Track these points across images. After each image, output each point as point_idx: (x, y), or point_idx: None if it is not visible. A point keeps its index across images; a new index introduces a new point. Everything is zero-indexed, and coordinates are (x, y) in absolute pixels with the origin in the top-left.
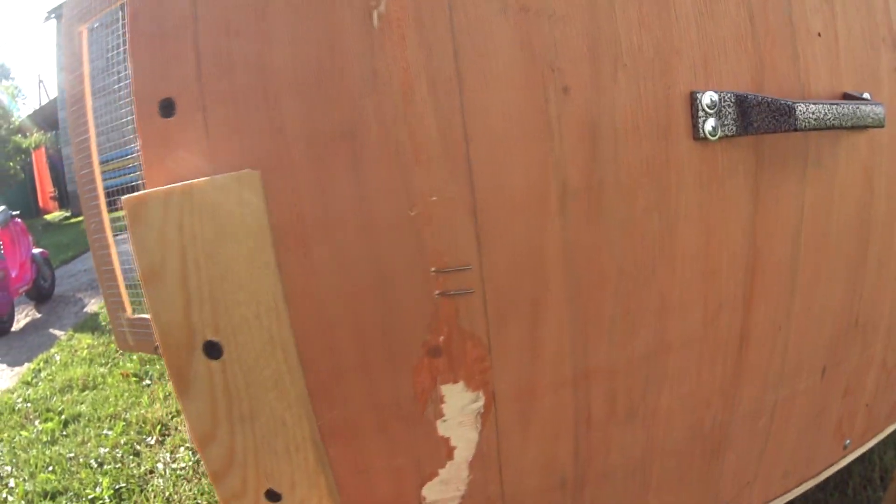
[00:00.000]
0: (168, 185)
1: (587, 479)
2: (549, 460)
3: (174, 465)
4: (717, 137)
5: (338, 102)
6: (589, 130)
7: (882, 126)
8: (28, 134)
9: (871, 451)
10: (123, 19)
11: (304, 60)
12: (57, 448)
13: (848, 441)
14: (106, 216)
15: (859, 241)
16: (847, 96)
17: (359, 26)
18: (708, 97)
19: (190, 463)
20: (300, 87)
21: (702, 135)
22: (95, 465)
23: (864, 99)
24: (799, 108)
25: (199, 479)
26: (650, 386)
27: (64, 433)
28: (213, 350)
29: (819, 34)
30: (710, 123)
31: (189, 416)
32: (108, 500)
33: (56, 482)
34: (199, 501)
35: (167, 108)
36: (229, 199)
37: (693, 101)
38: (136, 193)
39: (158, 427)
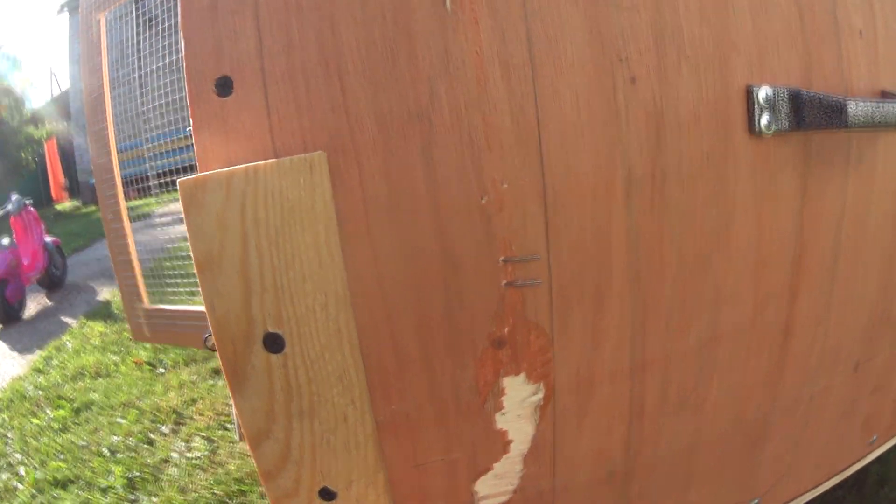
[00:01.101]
0: (228, 168)
1: (635, 471)
2: (601, 453)
3: (189, 455)
4: (771, 132)
5: (409, 84)
6: (654, 120)
7: None
8: (40, 125)
9: (888, 450)
10: (138, 10)
11: (374, 39)
12: (68, 436)
13: (875, 437)
14: (123, 204)
15: (893, 238)
16: (885, 94)
17: (431, 8)
18: (764, 92)
19: (206, 452)
20: (369, 67)
21: (757, 129)
22: (108, 454)
23: None
24: (850, 105)
25: (216, 469)
26: (702, 376)
27: (76, 421)
28: (274, 343)
29: (861, 32)
30: (766, 118)
31: (242, 413)
32: (120, 489)
33: (67, 470)
34: (215, 491)
35: (224, 86)
36: (298, 182)
37: (750, 95)
38: (192, 176)
39: (173, 416)
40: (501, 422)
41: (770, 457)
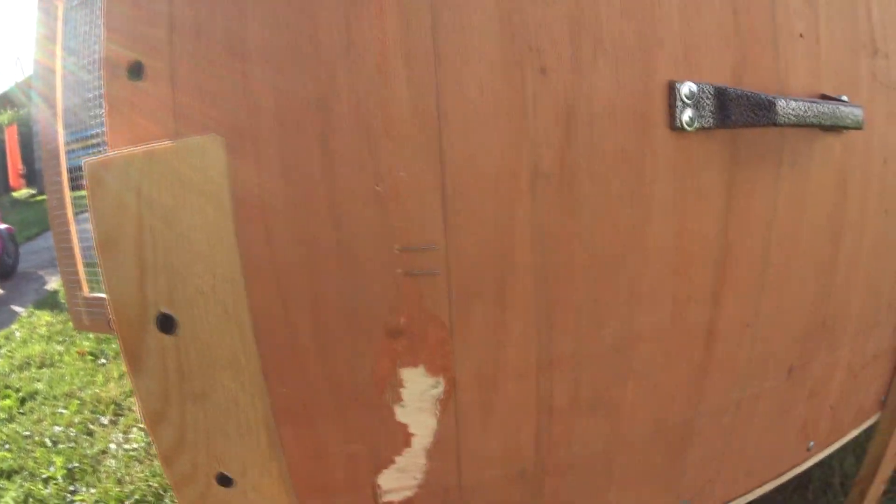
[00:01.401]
0: (129, 149)
1: (548, 470)
2: (509, 450)
3: (126, 446)
4: (694, 128)
5: (310, 72)
6: (564, 113)
7: (860, 128)
8: (2, 111)
9: (830, 456)
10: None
11: (278, 27)
12: (14, 426)
13: (812, 443)
14: (67, 193)
15: (830, 243)
16: (825, 97)
17: None
18: (687, 87)
19: (142, 444)
20: (272, 53)
21: (679, 125)
22: (50, 444)
23: (843, 101)
24: (779, 103)
25: (151, 461)
26: (616, 378)
27: (21, 411)
28: (166, 324)
29: (801, 35)
30: (688, 114)
31: (140, 395)
32: (61, 480)
33: (12, 461)
34: (151, 483)
35: (136, 71)
36: (191, 164)
37: (672, 90)
38: (97, 157)
39: (112, 407)
40: (401, 414)
41: (697, 461)
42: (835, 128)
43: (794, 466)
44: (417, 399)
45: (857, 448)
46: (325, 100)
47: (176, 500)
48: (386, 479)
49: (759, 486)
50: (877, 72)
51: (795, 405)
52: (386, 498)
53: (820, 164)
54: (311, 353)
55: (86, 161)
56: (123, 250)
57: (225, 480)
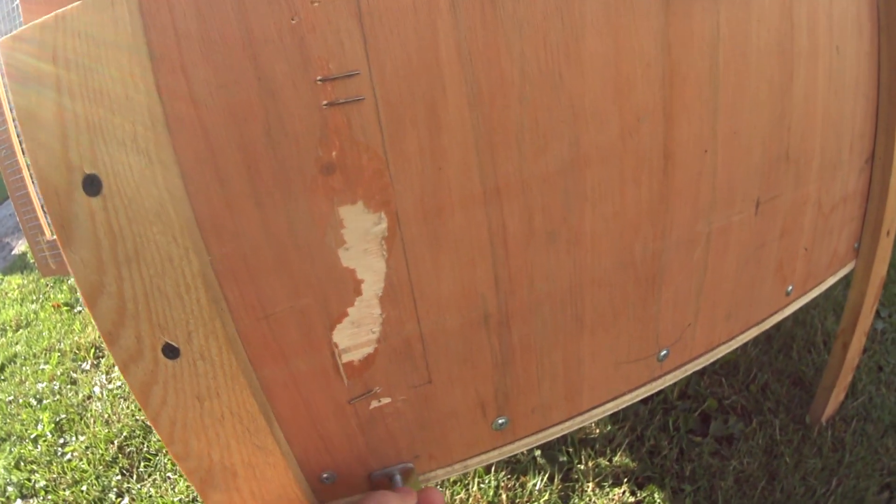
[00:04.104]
0: (42, 18)
1: (512, 313)
2: (468, 291)
3: (110, 386)
4: None
5: None
6: None
7: None
8: None
9: (811, 316)
10: None
11: None
12: None
13: (790, 287)
14: (16, 139)
15: (782, 71)
16: None
17: None
18: None
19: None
20: None
21: None
22: (35, 403)
23: None
24: None
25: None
26: (570, 204)
27: (2, 377)
28: (92, 185)
29: None
30: None
31: (75, 269)
32: (49, 436)
33: None
34: (137, 417)
35: None
36: (103, 18)
37: None
38: (11, 34)
39: (92, 350)
40: (347, 259)
41: (671, 303)
42: None
43: (774, 312)
44: (361, 239)
45: (837, 307)
46: None
47: (126, 381)
48: (342, 336)
49: (741, 332)
50: None
51: (768, 242)
52: (346, 357)
53: None
54: (246, 202)
55: (1, 41)
56: (44, 119)
57: (171, 351)
